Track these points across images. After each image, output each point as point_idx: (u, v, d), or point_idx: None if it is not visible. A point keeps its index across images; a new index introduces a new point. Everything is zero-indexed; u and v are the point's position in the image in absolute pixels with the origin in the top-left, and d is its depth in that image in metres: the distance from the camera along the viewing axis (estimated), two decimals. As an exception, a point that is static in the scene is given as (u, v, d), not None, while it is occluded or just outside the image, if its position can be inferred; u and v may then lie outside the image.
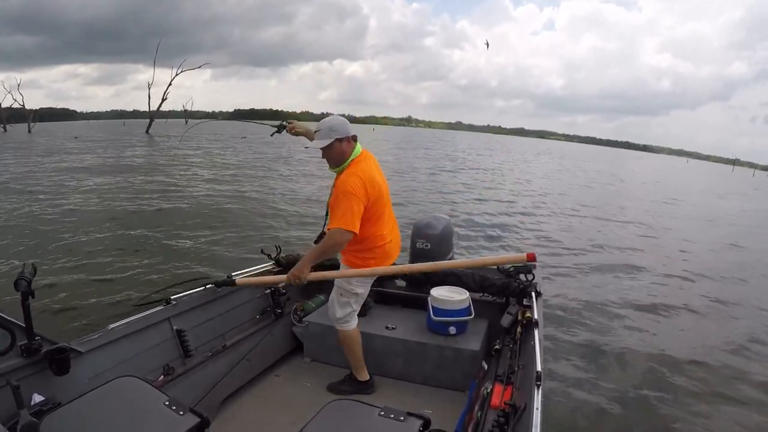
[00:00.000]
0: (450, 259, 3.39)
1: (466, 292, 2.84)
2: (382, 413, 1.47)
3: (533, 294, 2.68)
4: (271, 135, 2.77)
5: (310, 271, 2.30)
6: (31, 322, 1.66)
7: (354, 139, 2.31)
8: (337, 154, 2.28)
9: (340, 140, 2.26)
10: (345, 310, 2.48)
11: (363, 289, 2.49)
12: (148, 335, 2.17)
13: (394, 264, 2.51)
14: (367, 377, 2.57)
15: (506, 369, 2.23)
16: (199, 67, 44.75)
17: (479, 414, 1.96)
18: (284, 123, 2.73)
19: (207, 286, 2.44)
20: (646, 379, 3.87)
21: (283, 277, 2.35)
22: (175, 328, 2.31)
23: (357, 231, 2.19)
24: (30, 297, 1.63)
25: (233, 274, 2.67)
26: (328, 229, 2.27)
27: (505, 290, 2.91)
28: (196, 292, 2.41)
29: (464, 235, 8.58)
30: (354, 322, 2.54)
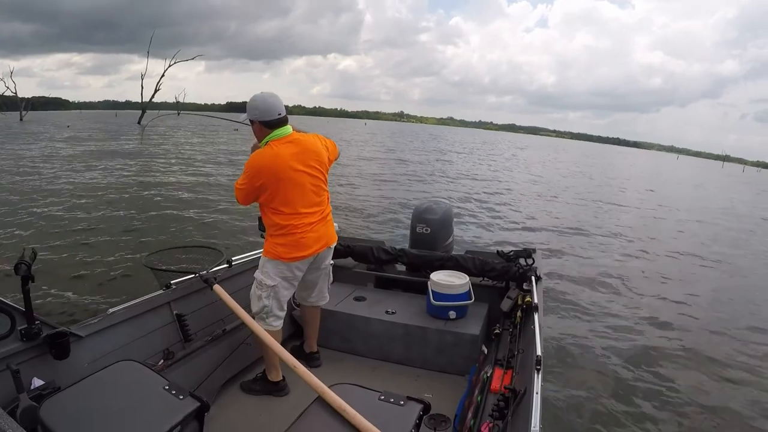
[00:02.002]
0: (449, 244, 3.39)
1: (466, 276, 2.84)
2: (383, 397, 1.47)
3: (533, 278, 2.68)
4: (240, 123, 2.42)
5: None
6: (31, 306, 1.65)
7: (274, 124, 2.18)
8: (254, 132, 2.25)
9: (253, 122, 2.21)
10: (258, 305, 2.28)
11: (273, 281, 2.25)
12: (148, 320, 2.16)
13: (315, 253, 2.30)
14: (279, 378, 2.40)
15: (506, 353, 2.23)
16: (193, 58, 45.37)
17: (479, 398, 1.97)
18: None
19: (195, 275, 2.41)
20: (646, 363, 3.90)
21: (247, 317, 2.11)
22: (175, 312, 2.30)
23: (240, 200, 2.21)
24: (30, 281, 1.62)
25: (233, 258, 2.66)
26: None
27: (505, 274, 2.90)
28: (195, 276, 2.40)
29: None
30: (273, 323, 2.31)
